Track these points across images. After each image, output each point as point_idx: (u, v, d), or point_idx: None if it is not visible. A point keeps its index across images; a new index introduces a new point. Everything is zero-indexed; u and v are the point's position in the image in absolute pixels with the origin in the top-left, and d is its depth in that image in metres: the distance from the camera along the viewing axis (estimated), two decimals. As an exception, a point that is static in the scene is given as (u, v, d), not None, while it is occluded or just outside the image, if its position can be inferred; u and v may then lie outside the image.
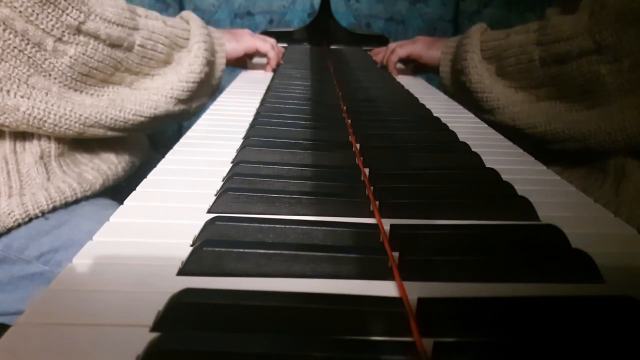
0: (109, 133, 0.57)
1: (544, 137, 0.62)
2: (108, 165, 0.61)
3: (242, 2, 1.51)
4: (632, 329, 0.22)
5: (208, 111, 0.61)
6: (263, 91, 0.72)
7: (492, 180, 0.39)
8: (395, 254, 0.27)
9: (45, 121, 0.49)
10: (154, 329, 0.21)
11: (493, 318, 0.22)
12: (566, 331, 0.22)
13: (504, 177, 0.39)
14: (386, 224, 0.31)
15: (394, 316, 0.22)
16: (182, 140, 0.48)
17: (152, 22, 0.60)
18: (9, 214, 0.51)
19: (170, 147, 0.46)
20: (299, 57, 1.09)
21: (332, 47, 1.31)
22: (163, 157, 0.43)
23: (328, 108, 0.61)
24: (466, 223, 0.32)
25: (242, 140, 0.48)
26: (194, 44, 0.66)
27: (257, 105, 0.63)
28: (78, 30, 0.49)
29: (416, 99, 0.70)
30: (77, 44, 0.49)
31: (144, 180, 0.38)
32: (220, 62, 0.77)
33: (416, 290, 0.24)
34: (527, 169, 0.44)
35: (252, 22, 1.52)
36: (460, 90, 0.75)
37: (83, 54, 0.50)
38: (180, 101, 0.64)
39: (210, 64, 0.70)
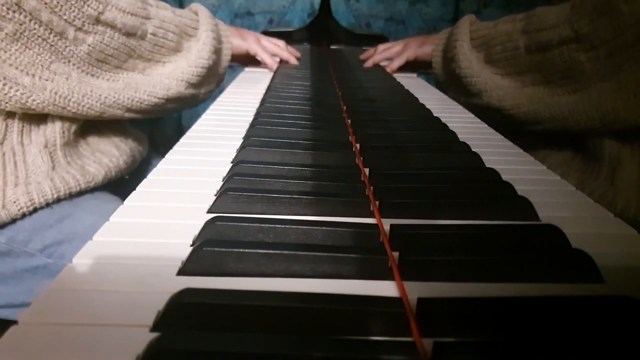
0: (127, 114, 0.60)
1: (527, 117, 0.66)
2: (109, 158, 0.62)
3: (242, 2, 1.51)
4: (632, 329, 0.22)
5: (208, 111, 0.61)
6: (263, 91, 0.72)
7: (492, 180, 0.39)
8: (395, 254, 0.27)
9: (70, 99, 0.52)
10: (154, 329, 0.21)
11: (493, 318, 0.22)
12: (566, 331, 0.22)
13: (504, 177, 0.39)
14: (386, 224, 0.31)
15: (394, 316, 0.22)
16: (182, 140, 0.48)
17: (163, 12, 0.63)
18: (14, 202, 0.51)
19: (170, 147, 0.46)
20: (299, 57, 1.09)
21: (332, 47, 1.31)
22: (163, 157, 0.43)
23: (328, 108, 0.61)
24: (466, 223, 0.32)
25: (242, 140, 0.48)
26: (202, 32, 0.70)
27: (257, 105, 0.63)
28: (97, 20, 0.52)
29: (416, 99, 0.70)
30: (95, 33, 0.53)
31: (144, 180, 0.38)
32: (226, 53, 0.81)
33: (416, 290, 0.24)
34: (527, 169, 0.44)
35: (252, 22, 1.52)
36: (451, 77, 0.78)
37: (100, 42, 0.53)
38: (190, 85, 0.67)
39: (217, 52, 0.74)
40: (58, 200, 0.55)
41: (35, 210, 0.53)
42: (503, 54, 0.68)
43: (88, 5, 0.50)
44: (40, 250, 0.54)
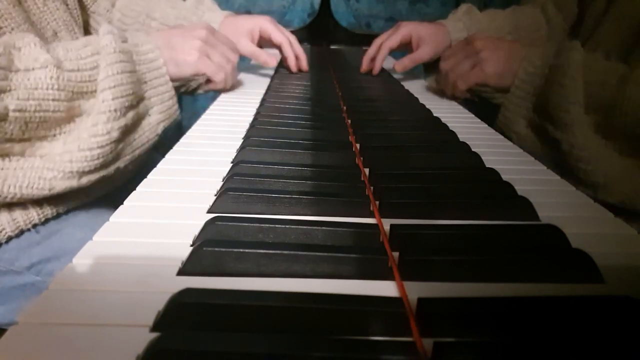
0: None
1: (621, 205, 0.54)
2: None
3: (242, 2, 1.51)
4: (632, 329, 0.22)
5: (208, 111, 0.61)
6: (263, 91, 0.72)
7: (492, 180, 0.39)
8: (395, 254, 0.27)
9: None
10: (154, 329, 0.21)
11: (493, 318, 0.22)
12: (566, 331, 0.22)
13: (504, 177, 0.39)
14: (386, 224, 0.31)
15: (394, 316, 0.22)
16: (182, 140, 0.48)
17: (35, 75, 0.44)
18: (1, 231, 0.49)
19: (170, 147, 0.46)
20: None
21: (332, 47, 1.31)
22: (163, 157, 0.43)
23: (328, 108, 0.61)
24: (466, 223, 0.32)
25: (242, 140, 0.48)
26: (99, 92, 0.48)
27: (257, 105, 0.63)
28: None
29: (416, 99, 0.70)
30: None
31: (144, 180, 0.38)
32: (161, 90, 0.59)
33: (416, 290, 0.24)
34: (527, 169, 0.44)
35: (252, 22, 1.52)
36: (544, 141, 0.59)
37: None
38: (87, 173, 0.49)
39: (132, 107, 0.52)
40: (46, 221, 0.52)
41: (22, 232, 0.51)
42: (627, 132, 0.52)
43: None
44: (27, 268, 0.52)
